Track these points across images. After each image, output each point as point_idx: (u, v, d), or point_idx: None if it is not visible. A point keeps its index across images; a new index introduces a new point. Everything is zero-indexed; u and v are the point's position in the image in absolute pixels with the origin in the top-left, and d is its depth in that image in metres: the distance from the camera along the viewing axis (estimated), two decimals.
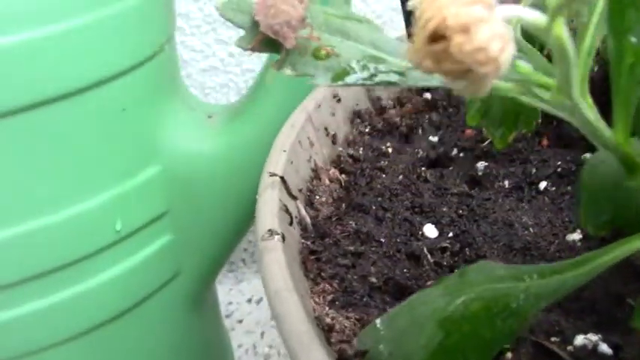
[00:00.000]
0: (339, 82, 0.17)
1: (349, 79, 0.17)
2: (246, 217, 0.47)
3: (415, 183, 0.34)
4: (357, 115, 0.39)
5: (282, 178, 0.29)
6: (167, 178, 0.45)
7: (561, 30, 0.13)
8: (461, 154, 0.37)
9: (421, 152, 0.37)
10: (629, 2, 0.13)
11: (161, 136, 0.44)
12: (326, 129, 0.36)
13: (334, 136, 0.37)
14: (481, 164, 0.35)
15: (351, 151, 0.36)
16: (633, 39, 0.14)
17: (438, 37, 0.11)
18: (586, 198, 0.20)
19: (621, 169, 0.18)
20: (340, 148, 0.37)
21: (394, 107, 0.41)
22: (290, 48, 0.18)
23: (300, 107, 0.35)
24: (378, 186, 0.33)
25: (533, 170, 0.34)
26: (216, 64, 0.65)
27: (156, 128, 0.43)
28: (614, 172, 0.18)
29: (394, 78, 0.17)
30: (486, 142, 0.36)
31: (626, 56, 0.14)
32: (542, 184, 0.34)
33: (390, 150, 0.37)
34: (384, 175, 0.34)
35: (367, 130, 0.39)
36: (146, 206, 0.44)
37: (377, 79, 0.17)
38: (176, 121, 0.45)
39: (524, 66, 0.16)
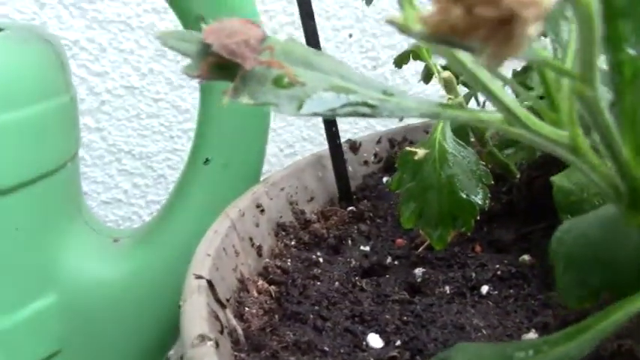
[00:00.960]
0: (305, 112, 0.15)
1: (317, 109, 0.15)
2: (159, 349, 0.41)
3: (352, 291, 0.31)
4: (281, 228, 0.37)
5: (209, 281, 0.26)
6: (63, 310, 0.39)
7: None
8: (395, 262, 0.34)
9: (354, 262, 0.34)
10: (621, 11, 0.12)
11: (58, 261, 0.39)
12: (251, 239, 0.33)
13: (259, 248, 0.34)
14: (419, 270, 0.33)
15: (278, 263, 0.33)
16: (631, 50, 0.13)
17: None
18: (562, 269, 0.19)
19: (610, 223, 0.16)
20: (267, 260, 0.34)
21: (318, 221, 0.39)
22: (248, 70, 0.16)
23: (222, 214, 0.33)
24: (314, 294, 0.30)
25: (473, 274, 0.33)
26: (120, 197, 0.61)
27: (53, 251, 0.39)
28: (599, 229, 0.17)
29: (365, 110, 0.15)
30: (421, 249, 0.35)
31: (624, 70, 0.13)
32: (484, 288, 0.32)
33: (320, 260, 0.34)
34: (318, 283, 0.31)
35: (293, 242, 0.36)
36: (36, 343, 0.38)
37: (346, 109, 0.15)
38: (77, 244, 0.40)
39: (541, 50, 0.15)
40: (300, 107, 0.15)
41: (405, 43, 0.63)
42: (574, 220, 0.20)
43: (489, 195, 0.31)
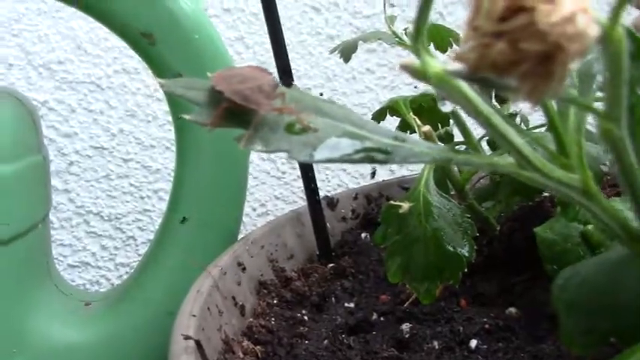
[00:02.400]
0: (319, 158, 0.14)
1: (331, 155, 0.15)
2: None
3: (340, 349, 0.30)
4: (263, 286, 0.36)
5: (197, 342, 0.25)
6: None
7: (620, 33, 0.11)
8: (381, 318, 0.34)
9: (339, 319, 0.33)
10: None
11: (28, 325, 0.37)
12: (234, 298, 0.33)
13: (242, 307, 0.33)
14: (405, 326, 0.32)
15: (262, 322, 0.32)
16: None
17: (513, 11, 0.09)
18: (566, 315, 0.18)
19: (616, 267, 0.16)
20: (251, 319, 0.33)
21: (299, 278, 0.38)
22: (262, 116, 0.15)
23: (204, 273, 0.32)
24: (302, 353, 0.29)
25: (461, 329, 0.32)
26: (87, 259, 0.60)
27: (22, 315, 0.37)
28: (604, 274, 0.17)
29: (379, 156, 0.15)
30: (407, 304, 0.34)
31: (636, 111, 0.13)
32: (473, 343, 0.31)
33: (305, 318, 0.33)
34: (305, 342, 0.30)
35: (275, 301, 0.35)
36: None
37: (360, 155, 0.15)
38: (46, 308, 0.39)
39: None
40: (312, 154, 0.15)
41: (375, 102, 0.64)
42: (574, 267, 0.19)
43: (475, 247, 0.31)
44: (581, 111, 0.15)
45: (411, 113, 0.37)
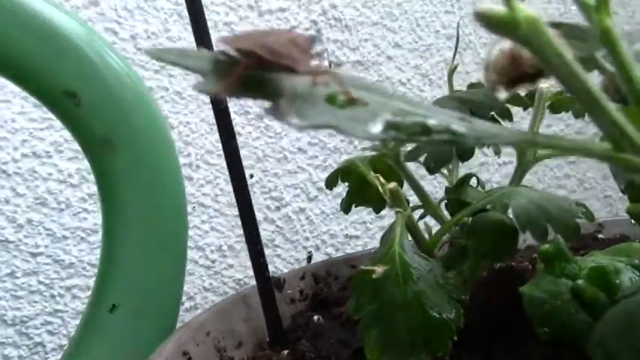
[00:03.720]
0: (377, 135, 0.11)
1: (392, 133, 0.11)
2: None
3: None
4: None
5: None
6: None
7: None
8: None
9: None
10: None
11: None
12: None
13: None
14: None
15: None
16: None
17: None
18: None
19: None
20: None
21: None
22: (293, 84, 0.11)
23: None
24: None
25: None
26: None
27: None
28: None
29: (448, 137, 0.11)
30: None
31: None
32: None
33: None
34: None
35: None
36: None
37: (428, 135, 0.11)
38: None
39: None
40: (370, 129, 0.11)
41: (308, 182, 0.61)
42: (604, 321, 0.16)
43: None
44: None
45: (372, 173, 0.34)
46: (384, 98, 0.13)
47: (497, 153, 0.44)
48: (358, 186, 0.36)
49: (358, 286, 0.29)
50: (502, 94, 0.13)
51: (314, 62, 0.13)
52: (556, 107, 0.39)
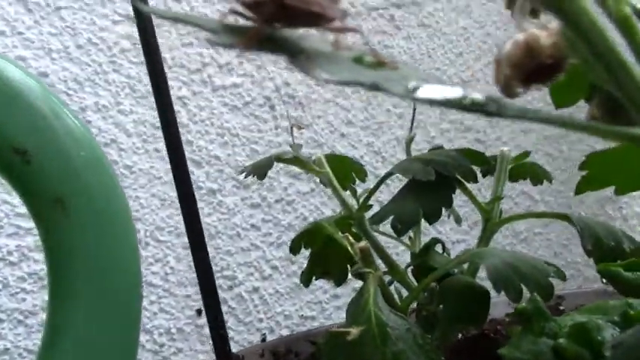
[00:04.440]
0: (421, 96, 0.09)
1: (434, 95, 0.10)
2: None
3: None
4: None
5: None
6: None
7: None
8: None
9: None
10: None
11: None
12: None
13: None
14: None
15: None
16: None
17: None
18: None
19: None
20: None
21: None
22: (314, 44, 0.10)
23: None
24: None
25: None
26: None
27: None
28: None
29: (492, 107, 0.10)
30: None
31: None
32: None
33: None
34: None
35: None
36: None
37: (469, 102, 0.10)
38: None
39: None
40: (411, 90, 0.10)
41: (262, 260, 0.59)
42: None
43: None
44: None
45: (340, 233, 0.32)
46: (411, 67, 0.12)
47: (459, 222, 0.44)
48: (323, 249, 0.35)
49: (330, 352, 0.27)
50: (517, 91, 0.12)
51: (342, 14, 0.12)
52: (516, 173, 0.39)
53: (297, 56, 0.11)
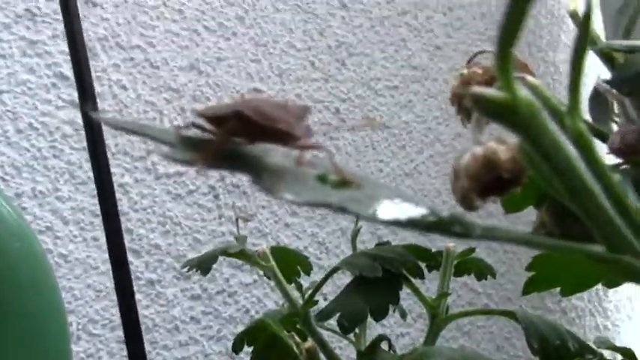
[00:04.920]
0: (385, 217, 0.09)
1: (399, 215, 0.09)
2: None
3: None
4: None
5: None
6: None
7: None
8: None
9: None
10: None
11: None
12: None
13: None
14: None
15: None
16: None
17: None
18: None
19: None
20: None
21: None
22: (281, 160, 0.09)
23: None
24: None
25: None
26: None
27: None
28: None
29: (457, 228, 0.09)
30: None
31: None
32: None
33: None
34: None
35: None
36: None
37: (433, 222, 0.09)
38: None
39: None
40: (376, 212, 0.09)
41: (201, 355, 0.57)
42: None
43: None
44: None
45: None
46: (379, 188, 0.11)
47: (404, 316, 0.43)
48: (266, 348, 0.34)
49: None
50: (475, 204, 0.12)
51: (308, 132, 0.11)
52: (462, 269, 0.39)
53: (261, 175, 0.10)
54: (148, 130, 0.11)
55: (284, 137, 0.11)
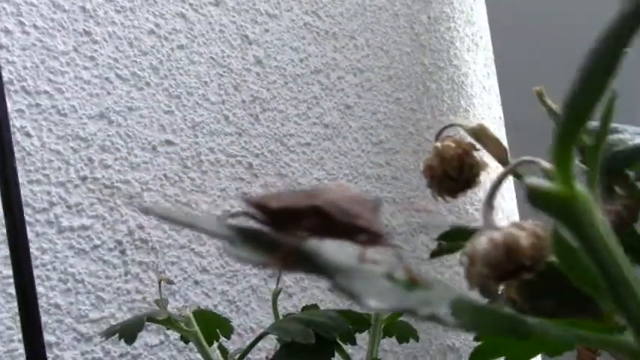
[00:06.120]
0: (457, 324, 0.08)
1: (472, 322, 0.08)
2: None
3: None
4: None
5: None
6: None
7: None
8: None
9: None
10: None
11: None
12: None
13: None
14: None
15: None
16: None
17: None
18: None
19: None
20: None
21: None
22: (371, 242, 0.08)
23: None
24: None
25: None
26: None
27: None
28: None
29: (522, 329, 0.09)
30: None
31: None
32: None
33: None
34: None
35: None
36: None
37: (504, 325, 0.09)
38: None
39: None
40: (446, 315, 0.08)
41: None
42: None
43: None
44: None
45: None
46: (445, 288, 0.11)
47: None
48: None
49: None
50: (494, 290, 0.12)
51: (384, 228, 0.10)
52: (389, 331, 0.39)
53: (334, 277, 0.09)
54: (196, 221, 0.10)
55: (361, 234, 0.10)
